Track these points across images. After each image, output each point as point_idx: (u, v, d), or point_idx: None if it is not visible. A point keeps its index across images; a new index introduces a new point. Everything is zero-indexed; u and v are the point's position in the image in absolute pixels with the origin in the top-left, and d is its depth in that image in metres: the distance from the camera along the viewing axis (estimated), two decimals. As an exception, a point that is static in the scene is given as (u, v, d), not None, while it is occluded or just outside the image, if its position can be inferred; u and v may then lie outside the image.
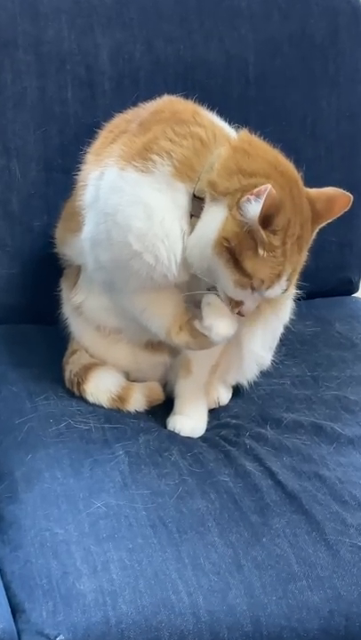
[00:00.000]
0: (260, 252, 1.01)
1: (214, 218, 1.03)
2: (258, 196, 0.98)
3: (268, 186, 0.98)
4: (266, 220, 0.99)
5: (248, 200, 0.99)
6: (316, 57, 1.43)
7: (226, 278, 1.03)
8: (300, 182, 1.08)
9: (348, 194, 1.10)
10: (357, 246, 1.52)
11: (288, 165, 1.08)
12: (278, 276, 1.03)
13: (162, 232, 1.04)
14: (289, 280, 1.05)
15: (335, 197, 1.09)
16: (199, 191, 1.04)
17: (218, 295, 1.06)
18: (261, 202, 0.98)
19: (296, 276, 1.08)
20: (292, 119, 1.43)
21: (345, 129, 1.46)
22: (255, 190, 0.99)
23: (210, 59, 1.38)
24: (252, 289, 1.03)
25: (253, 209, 0.99)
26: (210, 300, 1.07)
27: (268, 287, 1.03)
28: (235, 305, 1.05)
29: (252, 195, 0.99)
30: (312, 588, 0.97)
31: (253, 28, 1.40)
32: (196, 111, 1.10)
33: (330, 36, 1.44)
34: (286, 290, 1.06)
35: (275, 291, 1.04)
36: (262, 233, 1.00)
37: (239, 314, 1.06)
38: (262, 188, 0.98)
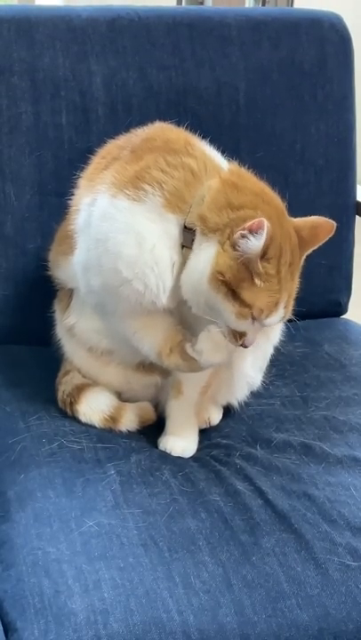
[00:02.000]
0: (258, 282, 1.02)
1: (206, 253, 1.04)
2: (255, 231, 0.99)
3: (264, 220, 0.99)
4: (262, 252, 1.01)
5: (244, 236, 1.00)
6: (305, 84, 1.46)
7: (227, 311, 1.04)
8: (286, 212, 1.10)
9: (331, 221, 1.12)
10: (346, 269, 1.54)
11: (274, 196, 1.10)
12: (276, 304, 1.05)
13: (152, 260, 1.06)
14: (286, 307, 1.07)
15: (320, 224, 1.11)
16: (190, 223, 1.06)
17: (220, 328, 1.06)
18: (263, 237, 0.99)
19: (292, 303, 1.09)
20: (281, 145, 1.45)
21: (333, 154, 1.48)
22: (248, 225, 1.00)
23: (201, 86, 1.41)
24: (253, 319, 1.04)
25: (254, 244, 1.00)
26: (210, 327, 1.07)
27: (268, 316, 1.05)
28: (238, 337, 1.06)
29: (244, 229, 1.00)
30: (301, 607, 0.97)
31: (244, 56, 1.43)
32: (188, 141, 1.11)
33: (318, 64, 1.46)
34: (284, 317, 1.08)
35: (274, 319, 1.06)
36: (259, 265, 1.01)
37: (243, 345, 1.07)
38: (256, 222, 1.00)
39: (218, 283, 1.03)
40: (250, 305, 1.03)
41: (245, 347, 1.07)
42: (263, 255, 1.02)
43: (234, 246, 1.02)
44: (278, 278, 1.04)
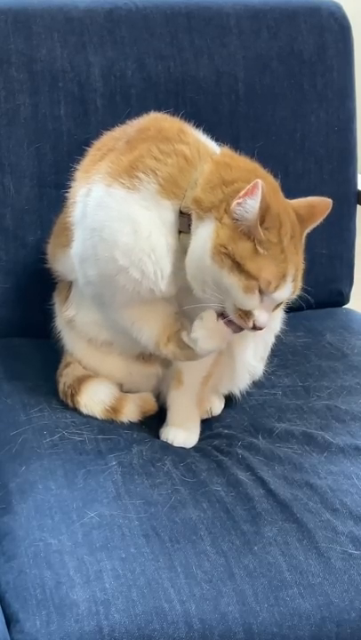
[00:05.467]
0: (260, 250, 1.02)
1: (204, 232, 1.04)
2: (252, 194, 1.00)
3: (259, 181, 1.00)
4: (260, 217, 1.01)
5: (240, 204, 1.01)
6: (304, 73, 1.46)
7: (233, 286, 1.03)
8: (280, 190, 1.10)
9: (328, 199, 1.12)
10: (347, 259, 1.53)
11: (267, 174, 1.11)
12: (284, 275, 1.04)
13: (148, 247, 1.06)
14: (295, 281, 1.06)
15: (316, 203, 1.12)
16: (185, 208, 1.06)
17: (223, 309, 1.05)
18: (259, 196, 1.00)
19: (300, 279, 1.08)
20: (281, 134, 1.45)
21: (334, 143, 1.48)
22: (243, 192, 1.01)
23: (200, 75, 1.40)
24: (261, 292, 1.03)
25: (251, 206, 1.00)
26: (203, 314, 1.08)
27: (276, 288, 1.04)
28: (246, 318, 1.04)
29: (240, 197, 1.01)
30: (303, 596, 0.97)
31: (243, 46, 1.42)
32: (180, 129, 1.12)
33: (318, 53, 1.46)
34: (294, 292, 1.07)
35: (283, 292, 1.05)
36: (260, 229, 1.01)
37: (255, 327, 1.05)
38: (251, 185, 1.00)
39: (221, 256, 1.03)
40: (256, 277, 1.02)
41: (259, 328, 1.05)
42: (262, 222, 1.02)
43: (232, 217, 1.02)
44: (281, 247, 1.04)
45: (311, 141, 1.47)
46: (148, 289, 1.08)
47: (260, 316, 1.05)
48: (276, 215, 1.04)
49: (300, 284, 1.08)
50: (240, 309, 1.04)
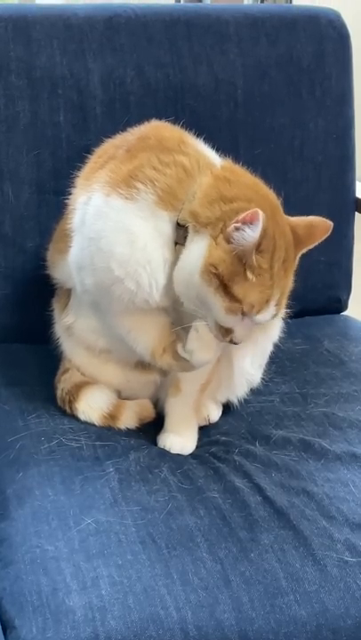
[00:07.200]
0: (250, 275, 1.02)
1: (198, 247, 1.04)
2: (250, 222, 0.99)
3: (259, 211, 0.99)
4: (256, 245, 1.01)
5: (238, 228, 1.00)
6: (303, 81, 1.46)
7: (216, 305, 1.04)
8: (281, 208, 1.10)
9: (328, 221, 1.12)
10: (346, 266, 1.54)
11: (268, 191, 1.10)
12: (267, 300, 1.04)
13: (144, 259, 1.06)
14: (278, 305, 1.07)
15: (316, 224, 1.11)
16: (182, 220, 1.06)
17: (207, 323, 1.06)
18: (259, 228, 0.99)
19: (285, 301, 1.09)
20: (280, 141, 1.45)
21: (332, 150, 1.48)
22: (241, 217, 1.00)
23: (199, 83, 1.41)
24: (243, 314, 1.04)
25: (249, 236, 1.00)
26: (197, 325, 1.08)
27: (259, 312, 1.04)
28: (225, 333, 1.06)
29: (238, 222, 1.01)
30: (300, 603, 0.97)
31: (242, 53, 1.43)
32: (181, 139, 1.11)
33: (316, 61, 1.46)
34: (276, 314, 1.08)
35: (265, 316, 1.06)
36: (254, 257, 1.01)
37: (232, 342, 1.07)
38: (251, 213, 0.99)
39: (210, 276, 1.03)
40: (240, 300, 1.03)
41: (235, 343, 1.07)
42: (256, 248, 1.02)
43: (228, 239, 1.02)
44: (271, 274, 1.04)
45: (310, 148, 1.47)
46: (142, 300, 1.08)
47: (239, 333, 1.06)
48: (271, 239, 1.03)
49: (283, 307, 1.09)
50: (221, 325, 1.05)
